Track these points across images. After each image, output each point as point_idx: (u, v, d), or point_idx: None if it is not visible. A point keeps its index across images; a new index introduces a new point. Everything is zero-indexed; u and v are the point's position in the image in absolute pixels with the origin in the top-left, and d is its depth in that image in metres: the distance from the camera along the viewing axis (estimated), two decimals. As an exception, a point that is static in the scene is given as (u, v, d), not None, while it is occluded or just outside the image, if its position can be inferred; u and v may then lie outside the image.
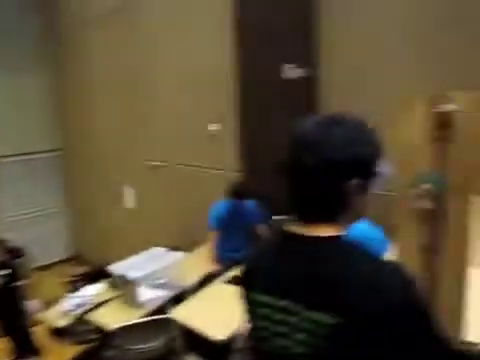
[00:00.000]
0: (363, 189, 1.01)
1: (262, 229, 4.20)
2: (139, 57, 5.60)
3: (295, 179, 1.01)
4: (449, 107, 1.34)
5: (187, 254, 4.66)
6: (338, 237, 1.00)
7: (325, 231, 1.00)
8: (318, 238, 0.99)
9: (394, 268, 0.95)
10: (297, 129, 1.01)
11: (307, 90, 4.25)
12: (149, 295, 3.86)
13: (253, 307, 1.09)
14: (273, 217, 3.35)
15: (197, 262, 4.31)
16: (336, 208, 1.00)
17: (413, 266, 1.58)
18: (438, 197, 1.45)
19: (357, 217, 1.06)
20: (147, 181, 5.96)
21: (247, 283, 1.13)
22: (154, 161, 5.77)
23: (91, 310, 3.75)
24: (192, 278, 3.88)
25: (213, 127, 5.08)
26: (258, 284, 1.07)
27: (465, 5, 3.60)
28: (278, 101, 4.23)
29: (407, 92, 2.86)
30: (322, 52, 4.27)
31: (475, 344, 1.55)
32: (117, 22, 5.71)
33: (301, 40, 4.20)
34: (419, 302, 0.92)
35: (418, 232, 1.54)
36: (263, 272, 1.07)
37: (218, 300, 3.14)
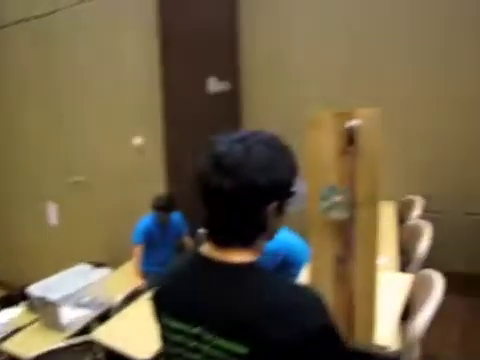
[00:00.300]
0: (280, 210, 1.01)
1: (189, 242, 4.18)
2: (61, 70, 5.40)
3: (211, 202, 0.98)
4: (353, 123, 1.41)
5: (113, 270, 4.52)
6: (252, 263, 0.98)
7: (240, 256, 0.97)
8: (232, 264, 0.97)
9: (308, 295, 0.95)
10: (214, 150, 0.97)
11: (230, 103, 4.32)
12: (72, 316, 3.69)
13: (166, 332, 1.06)
14: (199, 230, 3.34)
15: (123, 278, 4.18)
16: (253, 232, 0.99)
17: (327, 276, 1.64)
18: (348, 208, 1.51)
19: (271, 237, 1.06)
20: (71, 196, 5.72)
21: (159, 307, 1.08)
22: (78, 175, 5.56)
23: (5, 338, 3.50)
24: (118, 295, 3.75)
25: (138, 140, 5.00)
26: (171, 309, 1.03)
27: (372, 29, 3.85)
28: (202, 114, 4.28)
29: (328, 104, 3.01)
30: (245, 66, 4.37)
31: (384, 347, 1.64)
32: (39, 36, 5.46)
33: (224, 54, 4.28)
34: (334, 328, 0.92)
35: (330, 242, 1.60)
36: (176, 296, 1.03)
37: (142, 318, 3.05)
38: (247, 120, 4.45)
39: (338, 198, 1.52)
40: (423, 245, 2.48)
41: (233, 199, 0.93)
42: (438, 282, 1.85)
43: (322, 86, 4.02)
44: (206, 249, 1.02)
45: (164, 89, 4.50)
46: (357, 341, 1.65)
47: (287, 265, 3.27)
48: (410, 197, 3.67)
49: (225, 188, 0.92)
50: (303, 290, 0.98)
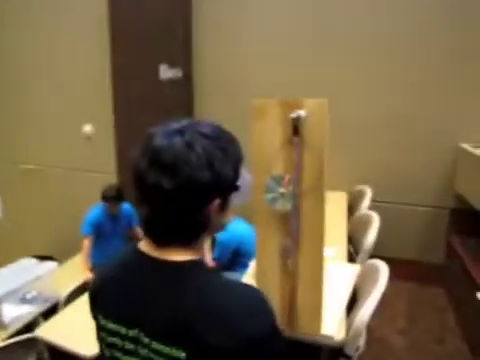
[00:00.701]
0: (224, 206, 0.95)
1: (140, 233, 4.07)
2: (10, 55, 5.13)
3: (149, 200, 0.91)
4: (299, 113, 1.37)
5: (61, 264, 4.35)
6: (193, 263, 0.93)
7: (180, 255, 0.92)
8: (173, 264, 0.91)
9: (251, 297, 0.90)
10: (151, 144, 0.89)
11: (183, 91, 4.24)
12: (14, 313, 3.51)
13: (103, 333, 0.99)
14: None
15: (71, 272, 4.03)
16: (195, 231, 0.93)
17: (272, 268, 1.61)
18: (292, 199, 1.48)
19: (215, 233, 1.01)
20: (17, 186, 5.47)
21: (95, 306, 1.01)
22: (26, 164, 5.32)
23: None
24: (65, 290, 3.61)
25: (88, 128, 4.84)
26: (107, 309, 0.96)
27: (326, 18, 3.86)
28: (154, 102, 4.19)
29: (279, 93, 2.98)
30: (197, 53, 4.30)
31: (330, 337, 1.64)
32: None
33: (176, 42, 4.19)
34: (277, 331, 0.88)
35: (275, 234, 1.57)
36: (112, 296, 0.96)
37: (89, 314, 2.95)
38: (199, 107, 4.39)
39: (283, 189, 1.49)
40: (370, 236, 2.52)
41: (173, 197, 0.87)
42: (383, 271, 1.86)
43: (273, 74, 4.00)
44: (144, 246, 0.96)
45: (115, 77, 4.39)
46: (302, 332, 1.64)
47: (239, 255, 3.26)
48: (360, 187, 3.73)
49: (164, 186, 0.86)
50: (247, 292, 0.92)
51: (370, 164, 3.88)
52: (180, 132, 0.90)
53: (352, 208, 3.57)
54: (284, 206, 1.50)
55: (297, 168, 1.45)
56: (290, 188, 1.48)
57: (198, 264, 0.94)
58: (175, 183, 0.86)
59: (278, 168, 1.49)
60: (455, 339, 3.08)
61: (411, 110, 3.69)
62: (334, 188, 3.86)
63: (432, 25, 3.55)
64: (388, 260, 3.73)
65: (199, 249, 0.97)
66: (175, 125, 0.93)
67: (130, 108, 4.32)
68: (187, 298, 0.87)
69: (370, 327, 3.20)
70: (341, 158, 3.92)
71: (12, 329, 3.32)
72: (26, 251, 4.65)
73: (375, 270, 1.97)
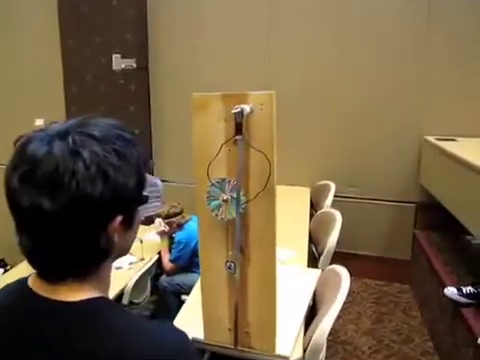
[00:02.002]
0: (129, 223, 0.76)
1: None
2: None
3: (28, 227, 0.70)
4: (242, 107, 1.19)
5: (13, 267, 4.06)
6: (96, 302, 0.73)
7: (78, 293, 0.72)
8: (69, 306, 0.71)
9: (175, 342, 0.73)
10: (24, 154, 0.68)
11: (138, 81, 4.02)
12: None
13: None
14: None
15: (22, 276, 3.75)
16: (93, 260, 0.74)
17: (218, 283, 1.43)
18: (238, 206, 1.30)
19: (122, 255, 0.82)
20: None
21: None
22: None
23: None
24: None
25: (39, 123, 4.55)
26: None
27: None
28: (107, 93, 3.96)
29: (236, 86, 2.79)
30: (152, 43, 4.08)
31: (285, 357, 1.47)
32: None
33: (131, 32, 3.97)
34: None
35: (220, 245, 1.39)
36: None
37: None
38: (156, 99, 4.16)
39: (226, 195, 1.30)
40: (332, 237, 2.37)
41: (57, 222, 0.67)
42: (344, 279, 1.71)
43: (233, 65, 3.81)
44: (34, 282, 0.74)
45: (66, 68, 4.19)
46: (254, 353, 1.47)
47: (198, 255, 3.08)
48: (323, 182, 3.59)
49: (44, 208, 0.65)
50: (169, 336, 0.74)
51: (334, 158, 3.75)
52: (61, 135, 0.69)
53: (315, 203, 3.43)
54: (228, 214, 1.31)
55: (240, 171, 1.26)
56: (235, 193, 1.29)
57: (101, 303, 0.75)
58: (58, 203, 0.66)
59: (221, 171, 1.31)
60: (421, 338, 3.00)
61: (375, 103, 3.56)
62: (297, 183, 3.73)
63: (396, 15, 3.42)
64: (354, 256, 3.67)
65: (102, 281, 0.78)
66: (56, 127, 0.72)
67: (83, 100, 4.09)
68: (90, 349, 0.68)
69: (335, 329, 3.10)
70: (304, 153, 3.78)
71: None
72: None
73: (336, 277, 1.81)
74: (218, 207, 1.32)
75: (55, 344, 0.69)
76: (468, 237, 3.18)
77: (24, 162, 0.67)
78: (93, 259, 0.74)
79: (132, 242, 0.84)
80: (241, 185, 1.26)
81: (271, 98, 1.24)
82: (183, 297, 3.07)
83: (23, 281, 0.77)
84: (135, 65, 3.92)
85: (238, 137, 1.21)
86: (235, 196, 1.28)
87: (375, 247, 3.79)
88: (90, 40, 4.02)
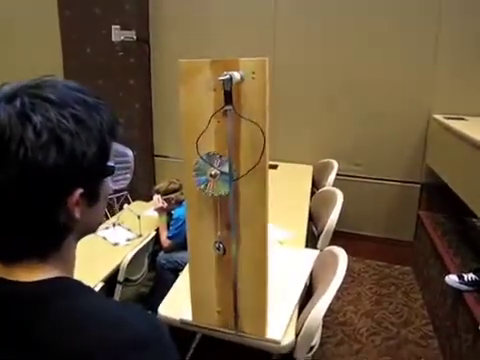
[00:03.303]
0: (92, 197, 0.68)
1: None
2: None
3: None
4: (231, 74, 1.09)
5: None
6: (57, 282, 0.66)
7: (36, 273, 0.65)
8: (26, 287, 0.64)
9: (149, 328, 0.66)
10: None
11: (137, 54, 3.90)
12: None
13: None
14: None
15: None
16: (51, 238, 0.66)
17: (207, 264, 1.36)
18: (228, 182, 1.21)
19: (88, 232, 0.74)
20: None
21: None
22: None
23: None
24: None
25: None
26: None
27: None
28: (107, 65, 3.86)
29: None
30: (153, 14, 3.94)
31: (276, 341, 1.41)
32: None
33: (130, 1, 3.83)
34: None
35: (209, 224, 1.31)
36: None
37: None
38: (157, 73, 4.04)
39: (216, 171, 1.22)
40: (332, 217, 2.28)
41: (7, 196, 0.60)
42: (342, 261, 1.63)
43: (238, 40, 3.66)
44: None
45: (65, 38, 4.05)
46: (245, 337, 1.41)
47: None
48: (326, 160, 3.49)
49: None
50: (141, 320, 0.66)
51: (338, 137, 3.63)
52: (9, 98, 0.61)
53: (317, 182, 3.34)
54: (218, 191, 1.23)
55: (231, 144, 1.17)
56: (225, 169, 1.21)
57: (63, 283, 0.67)
58: (4, 173, 0.58)
59: (210, 145, 1.22)
60: (421, 321, 2.94)
61: (382, 81, 3.42)
62: (300, 161, 3.63)
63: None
64: (356, 237, 3.59)
65: (64, 261, 0.70)
66: (4, 89, 0.63)
67: (82, 72, 3.98)
68: (51, 334, 0.60)
69: (333, 310, 3.06)
70: (308, 131, 3.67)
71: None
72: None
73: (332, 258, 1.74)
74: (206, 183, 1.24)
75: (9, 332, 0.62)
76: (473, 219, 3.09)
77: None
78: (51, 237, 0.66)
79: (101, 217, 0.76)
80: (232, 159, 1.17)
81: (263, 65, 1.14)
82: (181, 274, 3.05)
83: None
84: (135, 37, 3.79)
85: (228, 107, 1.12)
86: (225, 171, 1.20)
87: (378, 228, 3.70)
88: (89, 11, 3.89)
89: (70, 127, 0.62)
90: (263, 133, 1.16)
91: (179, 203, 3.12)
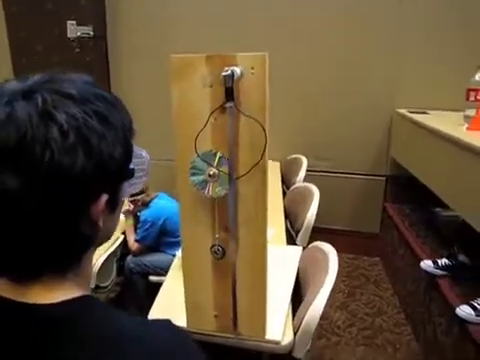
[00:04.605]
0: (114, 203, 0.62)
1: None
2: None
3: None
4: (233, 69, 1.05)
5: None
6: (82, 302, 0.60)
7: (57, 293, 0.58)
8: (47, 311, 0.56)
9: (178, 341, 0.62)
10: None
11: (94, 51, 3.74)
12: None
13: None
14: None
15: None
16: (74, 251, 0.59)
17: (203, 268, 1.31)
18: (226, 182, 1.17)
19: (103, 242, 0.67)
20: None
21: None
22: None
23: None
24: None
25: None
26: None
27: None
28: (61, 63, 3.67)
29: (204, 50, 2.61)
30: (109, 10, 3.78)
31: (276, 342, 1.38)
32: None
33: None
34: None
35: (206, 226, 1.26)
36: None
37: None
38: (116, 70, 3.89)
39: (214, 170, 1.17)
40: (311, 212, 2.29)
41: (26, 207, 0.52)
42: (332, 257, 1.63)
43: (201, 34, 3.59)
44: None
45: (14, 34, 3.80)
46: (243, 339, 1.37)
47: (165, 234, 2.99)
48: (295, 156, 3.50)
49: (7, 187, 0.50)
50: (170, 335, 0.62)
51: (305, 132, 3.65)
52: (26, 94, 0.53)
53: (286, 179, 3.34)
54: (216, 191, 1.18)
55: (231, 142, 1.13)
56: (223, 168, 1.16)
57: (87, 303, 0.61)
58: (26, 181, 0.51)
59: (207, 143, 1.16)
60: (393, 310, 3.01)
61: (347, 76, 3.47)
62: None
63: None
64: (323, 231, 3.62)
65: (83, 276, 0.63)
66: (14, 85, 0.56)
67: (34, 71, 3.76)
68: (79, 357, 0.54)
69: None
70: (274, 126, 3.65)
71: None
72: None
73: (320, 254, 1.73)
74: (203, 183, 1.18)
75: (27, 352, 0.55)
76: (437, 209, 3.19)
77: None
78: (74, 250, 0.59)
79: (116, 225, 0.70)
80: (232, 158, 1.13)
81: (264, 60, 1.10)
82: (151, 278, 2.96)
83: None
84: (92, 33, 3.63)
85: (229, 104, 1.07)
86: (224, 170, 1.15)
87: (344, 221, 3.77)
88: (40, 7, 3.69)
89: (96, 126, 0.55)
90: (264, 130, 1.13)
91: (145, 205, 3.03)
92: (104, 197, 0.58)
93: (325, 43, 3.46)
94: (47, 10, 3.69)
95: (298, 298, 1.70)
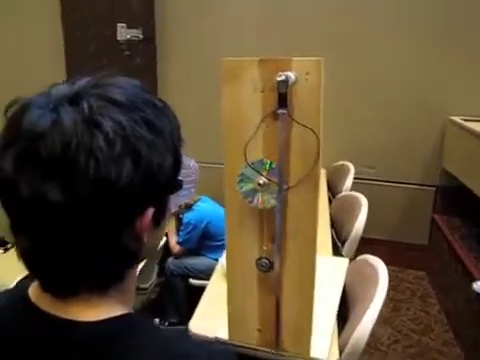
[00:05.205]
0: (160, 217, 0.59)
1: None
2: None
3: (28, 227, 0.51)
4: (288, 74, 1.00)
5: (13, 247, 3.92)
6: (126, 321, 0.57)
7: (98, 310, 0.56)
8: (88, 329, 0.54)
9: None
10: (20, 126, 0.49)
11: (143, 53, 3.78)
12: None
13: None
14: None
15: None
16: (117, 268, 0.56)
17: (247, 282, 1.26)
18: (276, 192, 1.12)
19: (145, 258, 0.64)
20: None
21: None
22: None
23: None
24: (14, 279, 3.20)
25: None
26: None
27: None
28: (111, 63, 3.73)
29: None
30: (158, 12, 3.81)
31: (321, 361, 1.31)
32: None
33: (137, 1, 3.71)
34: None
35: (252, 237, 1.21)
36: None
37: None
38: (163, 74, 3.92)
39: (263, 179, 1.12)
40: (359, 222, 2.20)
41: (69, 220, 0.49)
42: (382, 272, 1.54)
43: (252, 37, 3.54)
44: (38, 294, 0.57)
45: (68, 37, 3.90)
46: (287, 355, 1.31)
47: (207, 238, 2.98)
48: (342, 163, 3.40)
49: (50, 200, 0.47)
50: (203, 353, 0.58)
51: (351, 138, 3.54)
52: (72, 100, 0.51)
53: (332, 186, 3.25)
54: (265, 202, 1.13)
55: (283, 151, 1.08)
56: (273, 178, 1.11)
57: (130, 321, 0.58)
58: (70, 192, 0.48)
59: (257, 151, 1.12)
60: (441, 328, 2.86)
61: (397, 83, 3.33)
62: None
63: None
64: (368, 241, 3.50)
65: (127, 293, 0.61)
66: (62, 89, 0.53)
67: (85, 72, 3.86)
68: None
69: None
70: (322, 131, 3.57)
71: None
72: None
73: (369, 268, 1.65)
74: (252, 192, 1.14)
75: None
76: (492, 223, 3.02)
77: (20, 137, 0.48)
78: (116, 266, 0.56)
79: (160, 240, 0.66)
80: (283, 167, 1.08)
81: (319, 66, 1.05)
82: (191, 281, 2.95)
83: (22, 293, 0.59)
84: (141, 36, 3.67)
85: (282, 111, 1.02)
86: (274, 180, 1.10)
87: (389, 231, 3.63)
88: (94, 8, 3.77)
89: (144, 134, 0.52)
90: (318, 139, 1.07)
91: (189, 207, 3.03)
92: (150, 211, 0.55)
93: (373, 47, 3.34)
94: (100, 11, 3.75)
95: (341, 313, 1.62)
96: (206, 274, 2.66)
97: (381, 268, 1.56)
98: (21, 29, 4.15)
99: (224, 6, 3.64)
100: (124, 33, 3.66)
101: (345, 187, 2.95)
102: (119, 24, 3.65)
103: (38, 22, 4.10)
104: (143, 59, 3.78)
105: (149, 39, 3.75)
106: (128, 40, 3.67)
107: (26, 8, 4.11)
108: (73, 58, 3.95)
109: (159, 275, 3.19)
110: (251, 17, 3.56)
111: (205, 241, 3.01)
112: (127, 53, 3.71)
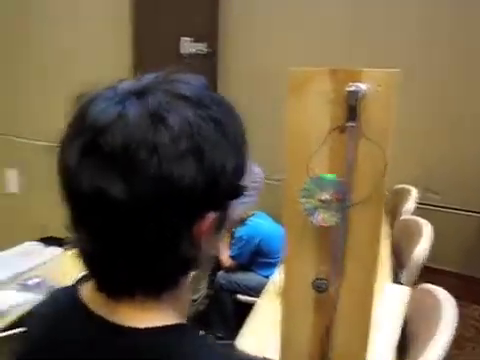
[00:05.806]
0: (220, 224, 0.56)
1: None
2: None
3: (89, 223, 0.51)
4: (359, 86, 0.94)
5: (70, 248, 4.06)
6: (177, 331, 0.54)
7: (150, 315, 0.53)
8: (138, 335, 0.52)
9: None
10: (85, 119, 0.48)
11: (206, 67, 3.84)
12: (14, 300, 3.23)
13: None
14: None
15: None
16: (172, 273, 0.54)
17: (301, 303, 1.20)
18: (340, 210, 1.06)
19: (200, 267, 0.61)
20: (35, 162, 5.18)
21: None
22: (45, 141, 5.02)
23: None
24: (71, 277, 3.29)
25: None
26: None
27: None
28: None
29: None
30: (223, 28, 3.86)
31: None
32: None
33: (200, 14, 3.80)
34: None
35: (311, 256, 1.15)
36: None
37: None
38: (224, 87, 3.95)
39: (326, 196, 1.06)
40: (421, 249, 2.07)
41: (129, 217, 0.47)
42: (448, 305, 1.42)
43: (315, 55, 3.49)
44: (90, 296, 0.56)
45: (135, 50, 4.06)
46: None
47: (260, 254, 2.94)
48: (402, 186, 3.25)
49: (112, 196, 0.46)
50: None
51: (415, 160, 3.38)
52: (139, 93, 0.49)
53: (392, 211, 3.10)
54: (326, 219, 1.07)
55: (348, 166, 1.02)
56: (337, 194, 1.05)
57: (183, 332, 0.54)
58: (131, 189, 0.46)
59: (322, 166, 1.06)
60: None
61: (465, 102, 3.15)
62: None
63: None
64: (429, 270, 3.31)
65: (180, 301, 0.58)
66: (129, 84, 0.52)
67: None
68: None
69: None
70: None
71: (10, 318, 3.05)
72: (38, 232, 4.36)
73: (431, 299, 1.53)
74: (313, 209, 1.08)
75: None
76: None
77: (85, 129, 0.47)
78: (170, 272, 0.53)
79: (216, 250, 0.63)
80: (348, 185, 1.02)
81: (392, 78, 0.98)
82: (239, 296, 2.91)
83: (73, 294, 0.58)
84: (206, 50, 3.73)
85: (350, 124, 0.97)
86: (337, 197, 1.04)
87: (455, 262, 3.40)
88: (160, 22, 3.89)
89: (210, 133, 0.49)
90: (385, 156, 1.00)
91: (242, 221, 3.00)
92: (211, 215, 0.52)
93: (446, 58, 3.16)
94: (166, 25, 3.86)
95: (399, 345, 1.51)
96: (255, 291, 2.61)
97: (447, 301, 1.45)
98: (88, 37, 4.37)
99: (294, 18, 3.61)
100: (187, 47, 3.73)
101: (406, 211, 2.81)
102: (183, 38, 3.72)
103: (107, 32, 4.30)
104: (204, 73, 3.82)
105: (211, 53, 3.81)
106: (190, 54, 3.73)
107: (94, 17, 4.31)
108: (137, 71, 4.07)
109: (209, 287, 3.18)
110: (327, 30, 3.50)
111: (257, 257, 2.97)
112: (190, 66, 3.77)
